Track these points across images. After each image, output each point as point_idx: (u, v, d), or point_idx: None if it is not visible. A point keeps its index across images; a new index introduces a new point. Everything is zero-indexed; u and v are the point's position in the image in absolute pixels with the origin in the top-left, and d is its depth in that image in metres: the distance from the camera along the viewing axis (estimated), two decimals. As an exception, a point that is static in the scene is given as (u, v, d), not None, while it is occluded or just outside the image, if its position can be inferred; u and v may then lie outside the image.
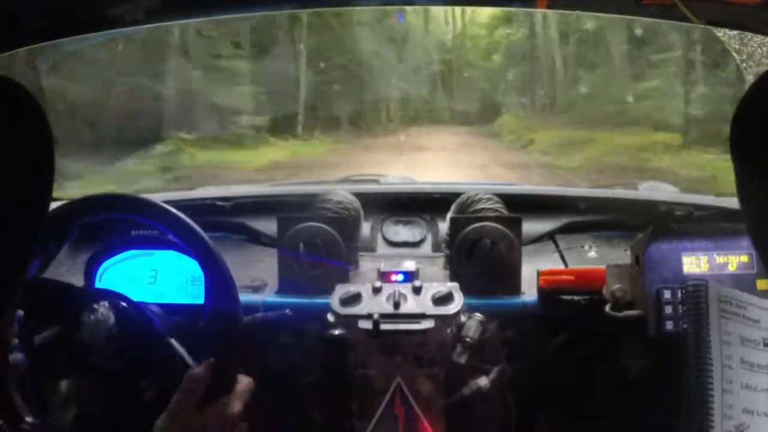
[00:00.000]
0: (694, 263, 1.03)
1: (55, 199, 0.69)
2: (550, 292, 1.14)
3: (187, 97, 7.68)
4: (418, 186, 1.71)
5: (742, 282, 1.02)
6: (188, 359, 0.95)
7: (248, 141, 8.22)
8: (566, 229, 1.46)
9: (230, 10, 1.12)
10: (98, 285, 1.14)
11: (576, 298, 1.13)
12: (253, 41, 9.11)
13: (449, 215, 1.34)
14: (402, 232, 1.49)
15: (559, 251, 1.39)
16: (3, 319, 0.86)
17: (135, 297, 1.00)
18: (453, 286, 1.11)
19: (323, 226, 1.22)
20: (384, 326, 1.04)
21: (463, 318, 1.08)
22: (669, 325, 1.01)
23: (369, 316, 1.05)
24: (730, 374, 0.85)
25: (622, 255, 1.28)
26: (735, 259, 1.03)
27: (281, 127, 8.93)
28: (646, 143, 6.92)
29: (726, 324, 0.86)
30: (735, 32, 1.18)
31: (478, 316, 1.09)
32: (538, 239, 1.44)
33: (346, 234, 1.25)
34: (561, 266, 1.32)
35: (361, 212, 1.38)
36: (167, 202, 0.98)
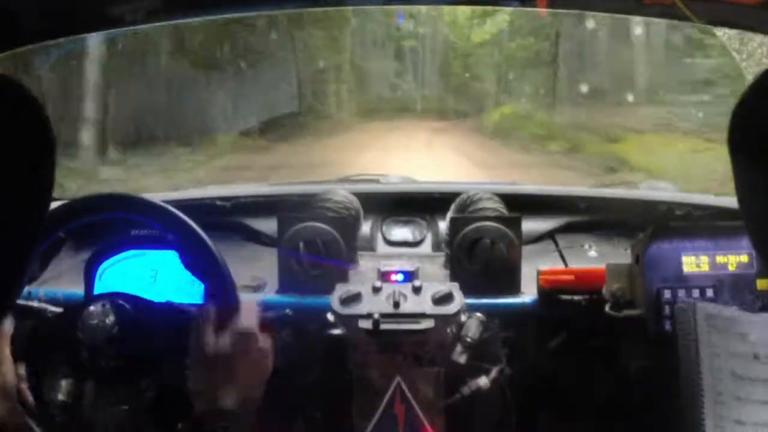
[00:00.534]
0: (694, 263, 1.03)
1: (55, 199, 0.69)
2: (550, 291, 1.14)
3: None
4: (418, 186, 1.71)
5: (742, 281, 1.02)
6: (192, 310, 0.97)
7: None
8: (566, 229, 1.46)
9: (230, 10, 1.12)
10: (98, 285, 1.14)
11: (576, 297, 1.13)
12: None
13: (449, 215, 1.34)
14: (402, 232, 1.49)
15: (559, 251, 1.39)
16: (3, 321, 0.87)
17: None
18: (453, 286, 1.11)
19: (323, 225, 1.22)
20: (384, 326, 1.04)
21: (463, 318, 1.08)
22: (669, 325, 1.01)
23: (369, 316, 1.05)
24: (721, 386, 0.88)
25: (622, 254, 1.28)
26: (735, 259, 1.03)
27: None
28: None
29: (715, 339, 0.90)
30: (735, 32, 1.19)
31: (478, 315, 1.09)
32: (538, 239, 1.44)
33: (346, 233, 1.25)
34: (561, 266, 1.32)
35: (361, 212, 1.38)
36: (167, 201, 0.98)
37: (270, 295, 1.21)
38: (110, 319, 0.94)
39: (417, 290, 1.09)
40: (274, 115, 7.64)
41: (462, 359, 1.07)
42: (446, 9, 9.03)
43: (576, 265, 1.28)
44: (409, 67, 9.68)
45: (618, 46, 7.47)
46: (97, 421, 0.96)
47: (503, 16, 8.98)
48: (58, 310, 1.03)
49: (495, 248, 1.20)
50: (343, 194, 1.36)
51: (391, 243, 1.47)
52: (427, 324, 1.05)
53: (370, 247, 1.45)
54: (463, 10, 8.83)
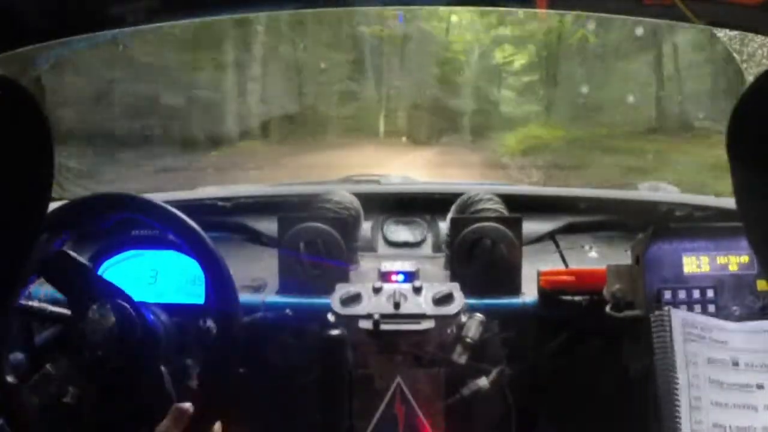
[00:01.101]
0: (694, 263, 1.03)
1: (55, 199, 0.69)
2: (550, 292, 1.14)
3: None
4: (418, 186, 1.71)
5: (743, 282, 1.02)
6: (173, 394, 0.96)
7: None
8: (567, 230, 1.46)
9: (230, 10, 1.12)
10: (98, 285, 1.14)
11: (576, 298, 1.13)
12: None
13: (449, 215, 1.34)
14: (402, 233, 1.49)
15: (560, 251, 1.39)
16: (4, 320, 0.87)
17: (135, 297, 1.00)
18: (453, 287, 1.11)
19: (324, 226, 1.22)
20: (384, 326, 1.04)
21: (463, 318, 1.08)
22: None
23: (369, 316, 1.05)
24: (698, 392, 0.91)
25: (622, 255, 1.28)
26: (735, 260, 1.03)
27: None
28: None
29: (691, 346, 0.93)
30: (735, 33, 1.18)
31: (479, 316, 1.09)
32: (539, 239, 1.44)
33: (347, 234, 1.25)
34: (561, 266, 1.32)
35: (362, 212, 1.38)
36: (168, 202, 0.98)
37: (270, 295, 1.21)
38: (110, 319, 0.94)
39: (417, 291, 1.09)
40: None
41: (462, 360, 1.06)
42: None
43: (576, 265, 1.27)
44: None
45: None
46: (96, 420, 0.97)
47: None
48: (58, 310, 1.03)
49: (495, 249, 1.20)
50: (343, 195, 1.36)
51: (391, 243, 1.47)
52: (427, 324, 1.05)
53: (370, 247, 1.45)
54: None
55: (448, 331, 1.07)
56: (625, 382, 1.18)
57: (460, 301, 1.08)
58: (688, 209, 1.42)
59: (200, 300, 1.13)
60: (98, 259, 1.15)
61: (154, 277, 1.17)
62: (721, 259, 1.03)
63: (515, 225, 1.22)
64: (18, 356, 0.98)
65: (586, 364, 1.23)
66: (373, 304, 1.07)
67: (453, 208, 1.36)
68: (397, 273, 1.17)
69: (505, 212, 1.31)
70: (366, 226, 1.44)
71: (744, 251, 1.03)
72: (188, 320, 1.04)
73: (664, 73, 6.61)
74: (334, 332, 1.06)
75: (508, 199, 1.36)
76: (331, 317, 1.08)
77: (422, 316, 1.06)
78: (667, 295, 1.02)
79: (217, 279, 0.95)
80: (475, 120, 7.27)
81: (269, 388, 0.95)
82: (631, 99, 6.45)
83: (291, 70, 7.13)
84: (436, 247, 1.44)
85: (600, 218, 1.46)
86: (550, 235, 1.45)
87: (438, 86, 7.61)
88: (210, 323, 1.01)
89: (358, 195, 1.38)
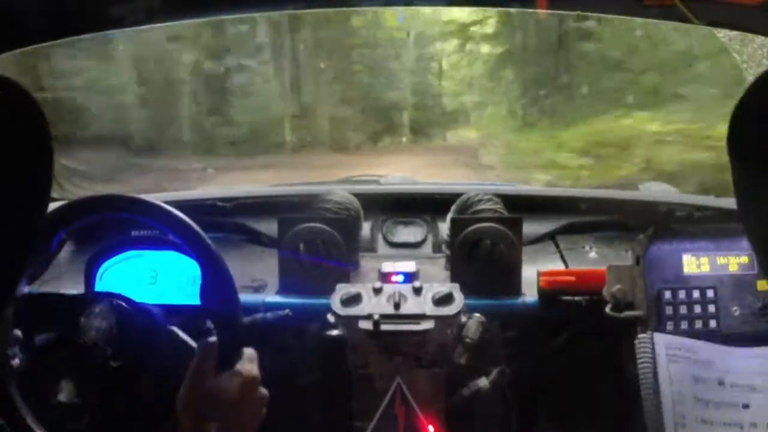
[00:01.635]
0: (694, 264, 1.03)
1: (55, 199, 0.69)
2: (550, 292, 1.14)
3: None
4: (418, 186, 1.71)
5: (743, 282, 1.02)
6: (192, 343, 0.95)
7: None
8: (567, 230, 1.46)
9: (230, 10, 1.12)
10: (98, 285, 1.14)
11: (576, 298, 1.13)
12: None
13: (450, 216, 1.34)
14: (402, 233, 1.49)
15: (560, 252, 1.39)
16: (3, 320, 0.87)
17: (135, 297, 1.00)
18: (453, 287, 1.11)
19: (324, 226, 1.22)
20: (384, 327, 1.04)
21: (463, 318, 1.08)
22: (669, 326, 1.01)
23: (369, 317, 1.05)
24: (683, 410, 0.93)
25: (622, 255, 1.28)
26: (735, 260, 1.03)
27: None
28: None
29: (676, 366, 0.96)
30: (735, 33, 1.19)
31: (479, 316, 1.09)
32: (539, 240, 1.44)
33: (347, 234, 1.25)
34: (561, 267, 1.32)
35: (362, 213, 1.38)
36: (168, 202, 0.98)
37: (270, 295, 1.21)
38: (110, 319, 0.94)
39: (417, 291, 1.09)
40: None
41: (462, 360, 1.06)
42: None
43: (576, 266, 1.28)
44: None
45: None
46: (96, 420, 0.96)
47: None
48: (58, 310, 1.03)
49: (495, 249, 1.20)
50: (343, 195, 1.36)
51: (391, 244, 1.47)
52: (427, 325, 1.05)
53: (370, 247, 1.44)
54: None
55: (448, 331, 1.07)
56: (624, 382, 1.18)
57: (460, 301, 1.08)
58: (688, 209, 1.42)
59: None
60: (98, 259, 1.15)
61: (154, 278, 1.17)
62: (721, 260, 1.03)
63: (515, 225, 1.22)
64: (18, 356, 0.98)
65: (586, 365, 1.23)
66: (373, 305, 1.07)
67: (453, 208, 1.36)
68: (397, 273, 1.16)
69: (505, 213, 1.31)
70: (366, 227, 1.44)
71: (744, 251, 1.03)
72: (188, 320, 1.04)
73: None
74: (334, 333, 1.06)
75: (508, 200, 1.36)
76: (331, 318, 1.08)
77: (422, 317, 1.06)
78: (667, 295, 1.02)
79: (218, 279, 0.95)
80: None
81: (269, 389, 0.95)
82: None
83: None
84: (436, 248, 1.44)
85: (600, 218, 1.46)
86: (550, 236, 1.45)
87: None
88: (210, 324, 1.01)
89: (358, 195, 1.38)
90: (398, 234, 1.48)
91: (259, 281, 1.26)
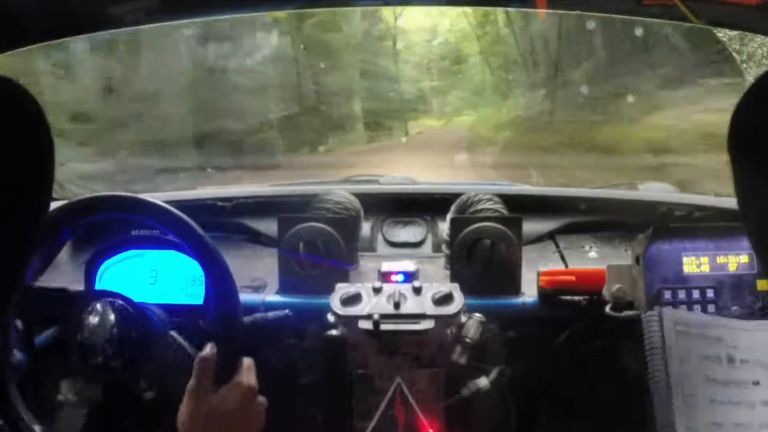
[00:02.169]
0: (694, 263, 1.03)
1: (55, 199, 0.69)
2: (550, 292, 1.14)
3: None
4: (418, 186, 1.71)
5: (743, 282, 1.02)
6: (190, 350, 0.96)
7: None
8: (566, 230, 1.46)
9: (230, 10, 1.12)
10: (98, 285, 1.14)
11: (576, 298, 1.13)
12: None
13: (449, 215, 1.34)
14: (402, 233, 1.49)
15: (560, 251, 1.39)
16: (3, 321, 0.87)
17: (135, 297, 1.00)
18: (453, 287, 1.11)
19: (323, 226, 1.22)
20: (384, 326, 1.04)
21: (463, 318, 1.08)
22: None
23: (369, 317, 1.05)
24: (692, 390, 0.91)
25: (622, 255, 1.28)
26: (735, 260, 1.03)
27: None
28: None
29: (684, 343, 0.93)
30: (735, 33, 1.19)
31: (478, 316, 1.09)
32: (539, 239, 1.44)
33: (347, 234, 1.25)
34: (561, 266, 1.32)
35: (362, 212, 1.38)
36: (168, 202, 0.98)
37: (270, 295, 1.21)
38: (110, 319, 0.94)
39: (417, 291, 1.09)
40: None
41: (462, 360, 1.06)
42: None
43: (576, 265, 1.27)
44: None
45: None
46: (95, 420, 0.97)
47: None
48: (59, 310, 1.03)
49: (495, 249, 1.20)
50: (343, 195, 1.36)
51: (391, 244, 1.47)
52: (427, 324, 1.05)
53: (370, 247, 1.45)
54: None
55: (448, 331, 1.07)
56: (624, 382, 1.19)
57: (459, 301, 1.08)
58: (688, 209, 1.42)
59: (200, 300, 1.13)
60: (98, 259, 1.15)
61: (154, 277, 1.17)
62: (720, 259, 1.03)
63: (515, 225, 1.22)
64: (18, 356, 0.98)
65: (586, 364, 1.23)
66: (373, 304, 1.07)
67: (453, 208, 1.36)
68: (397, 273, 1.16)
69: (505, 212, 1.31)
70: (366, 226, 1.44)
71: (744, 251, 1.03)
72: (188, 320, 1.04)
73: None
74: (334, 332, 1.06)
75: (508, 199, 1.36)
76: (330, 317, 1.08)
77: (422, 316, 1.06)
78: (667, 295, 1.02)
79: (218, 279, 0.95)
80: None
81: (269, 388, 0.95)
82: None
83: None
84: (436, 247, 1.44)
85: (600, 218, 1.46)
86: (550, 235, 1.45)
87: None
88: (210, 323, 1.01)
89: (358, 195, 1.38)
90: (398, 234, 1.49)
91: (259, 281, 1.26)
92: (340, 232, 1.22)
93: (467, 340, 1.06)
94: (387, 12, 5.23)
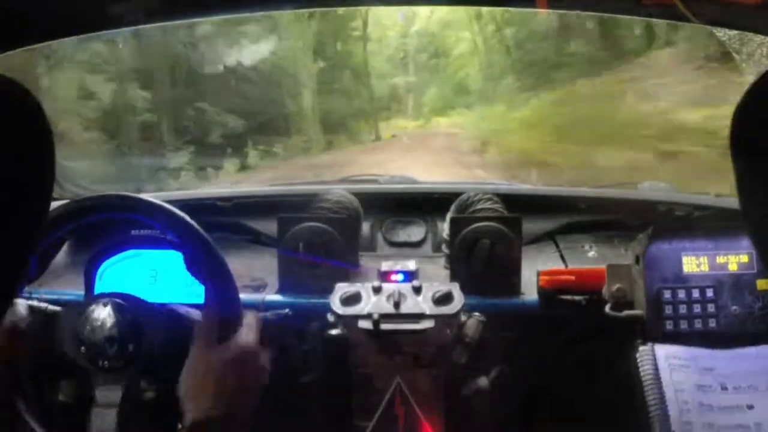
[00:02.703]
0: (694, 263, 1.03)
1: (55, 199, 0.69)
2: (550, 292, 1.14)
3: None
4: (418, 186, 1.71)
5: (742, 282, 1.02)
6: (194, 315, 0.98)
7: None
8: (566, 229, 1.46)
9: (230, 10, 1.12)
10: (98, 285, 1.14)
11: (576, 298, 1.13)
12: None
13: (449, 215, 1.34)
14: (402, 232, 1.49)
15: (559, 251, 1.39)
16: (2, 322, 0.87)
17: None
18: (453, 286, 1.11)
19: (323, 226, 1.22)
20: (384, 326, 1.04)
21: (463, 318, 1.08)
22: (669, 325, 1.02)
23: (369, 316, 1.05)
24: (689, 416, 0.94)
25: (622, 255, 1.28)
26: (735, 259, 1.03)
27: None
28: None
29: (678, 375, 0.97)
30: (735, 32, 1.19)
31: (478, 315, 1.09)
32: (538, 239, 1.44)
33: (346, 234, 1.25)
34: (561, 266, 1.32)
35: (361, 212, 1.38)
36: (168, 201, 0.98)
37: (270, 295, 1.21)
38: (110, 319, 0.94)
39: (417, 290, 1.09)
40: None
41: (462, 359, 1.06)
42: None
43: (576, 265, 1.27)
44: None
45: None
46: (96, 421, 0.96)
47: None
48: (58, 310, 1.03)
49: (495, 248, 1.20)
50: (343, 195, 1.36)
51: (391, 243, 1.47)
52: (427, 324, 1.05)
53: (370, 247, 1.45)
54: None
55: (448, 330, 1.07)
56: (624, 382, 1.18)
57: (459, 300, 1.08)
58: (687, 209, 1.42)
59: (200, 300, 1.13)
60: (98, 259, 1.15)
61: (154, 277, 1.17)
62: (720, 259, 1.03)
63: (515, 225, 1.22)
64: (17, 357, 0.98)
65: (586, 364, 1.23)
66: (372, 304, 1.07)
67: (452, 207, 1.36)
68: (397, 273, 1.17)
69: (505, 212, 1.31)
70: (366, 226, 1.44)
71: (744, 251, 1.03)
72: (188, 321, 1.04)
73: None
74: (334, 332, 1.06)
75: (508, 199, 1.36)
76: (330, 317, 1.08)
77: (422, 316, 1.06)
78: (667, 294, 1.02)
79: (218, 279, 0.95)
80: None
81: (269, 388, 0.95)
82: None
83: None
84: (436, 247, 1.44)
85: (600, 218, 1.46)
86: (550, 235, 1.45)
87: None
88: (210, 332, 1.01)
89: (358, 195, 1.38)
90: (398, 233, 1.49)
91: (259, 281, 1.26)
92: (340, 232, 1.22)
93: (467, 339, 1.07)
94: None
